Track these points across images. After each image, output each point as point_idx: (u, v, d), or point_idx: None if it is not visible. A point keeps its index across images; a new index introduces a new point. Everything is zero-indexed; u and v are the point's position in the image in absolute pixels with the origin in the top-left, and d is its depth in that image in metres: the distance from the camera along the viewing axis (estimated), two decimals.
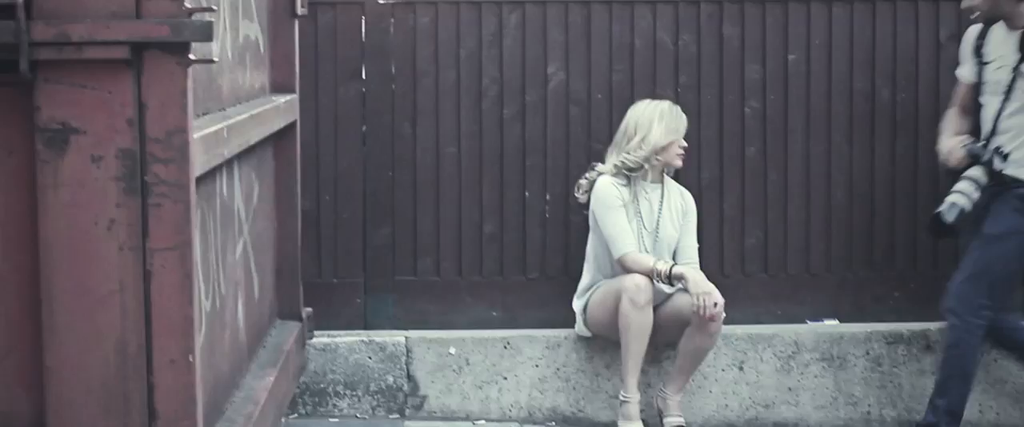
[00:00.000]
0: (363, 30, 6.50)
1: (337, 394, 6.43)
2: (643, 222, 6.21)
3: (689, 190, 6.40)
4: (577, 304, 6.35)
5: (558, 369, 6.50)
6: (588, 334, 6.37)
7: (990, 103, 6.08)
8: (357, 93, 6.50)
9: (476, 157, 6.55)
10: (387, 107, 6.51)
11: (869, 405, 6.51)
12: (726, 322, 6.30)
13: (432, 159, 6.53)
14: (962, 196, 6.01)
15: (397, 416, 6.44)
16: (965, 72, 6.21)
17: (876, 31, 6.66)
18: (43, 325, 3.23)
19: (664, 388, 6.23)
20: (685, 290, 6.07)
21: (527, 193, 6.57)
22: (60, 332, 3.23)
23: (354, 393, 6.44)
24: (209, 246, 3.90)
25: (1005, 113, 6.05)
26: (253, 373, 4.66)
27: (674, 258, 6.23)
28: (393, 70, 6.51)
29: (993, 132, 6.05)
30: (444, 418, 6.47)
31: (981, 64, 6.12)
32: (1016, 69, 6.03)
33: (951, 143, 6.12)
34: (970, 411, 6.64)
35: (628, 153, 6.15)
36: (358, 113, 6.51)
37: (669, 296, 6.19)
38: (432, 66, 6.51)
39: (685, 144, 6.22)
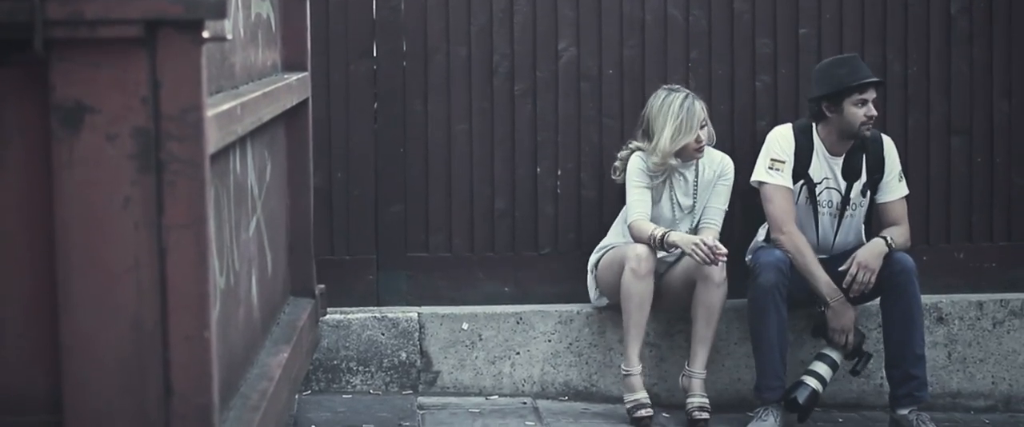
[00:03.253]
0: (374, 7, 6.50)
1: (350, 370, 6.45)
2: (678, 202, 6.24)
3: None
4: (592, 258, 6.38)
5: (570, 344, 6.52)
6: (596, 293, 6.38)
7: (821, 221, 6.29)
8: (368, 70, 6.51)
9: (487, 133, 6.56)
10: (398, 84, 6.52)
11: (881, 377, 6.52)
12: (738, 295, 6.32)
13: (443, 136, 6.54)
14: (817, 381, 6.13)
15: (410, 392, 6.47)
16: (787, 181, 6.23)
17: (887, 4, 6.66)
18: (59, 303, 3.24)
19: (688, 365, 6.22)
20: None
21: (539, 169, 6.58)
22: (76, 309, 3.24)
23: (367, 369, 6.46)
24: (223, 223, 3.92)
25: (839, 234, 6.31)
26: (267, 350, 4.67)
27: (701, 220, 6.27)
28: (404, 47, 6.52)
29: (831, 252, 6.28)
30: (457, 393, 6.49)
31: (811, 184, 6.24)
32: (851, 193, 6.27)
33: (849, 321, 6.12)
34: (982, 382, 6.66)
35: (648, 157, 6.17)
36: (369, 90, 6.52)
37: (675, 262, 6.23)
38: (443, 43, 6.52)
39: (702, 139, 6.20)
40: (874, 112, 6.15)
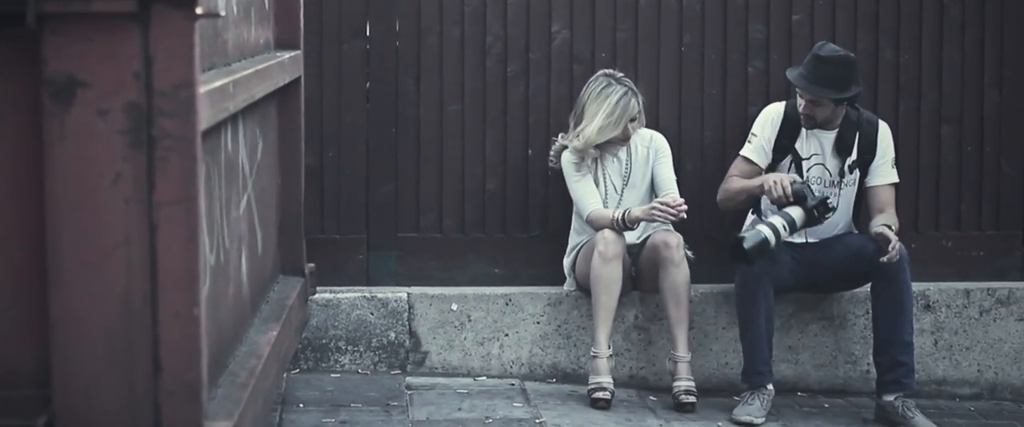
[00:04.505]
0: None
1: (339, 350, 6.46)
2: (612, 184, 6.30)
3: (691, 149, 6.42)
4: (566, 261, 6.43)
5: (559, 326, 6.53)
6: (574, 287, 6.43)
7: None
8: (361, 50, 6.50)
9: (479, 114, 6.56)
10: (391, 64, 6.51)
11: (868, 364, 6.54)
12: (725, 280, 6.33)
13: (435, 116, 6.54)
14: (771, 231, 5.97)
15: (399, 372, 6.47)
16: (758, 155, 6.26)
17: None
18: (49, 277, 3.24)
19: (672, 350, 6.23)
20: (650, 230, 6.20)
21: (530, 151, 6.59)
22: (65, 284, 3.24)
23: (356, 349, 6.46)
24: (214, 200, 3.92)
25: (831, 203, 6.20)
26: (256, 328, 4.68)
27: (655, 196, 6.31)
28: (397, 27, 6.51)
29: (820, 233, 6.24)
30: (445, 374, 6.50)
31: (797, 159, 6.25)
32: (842, 170, 6.24)
33: (780, 175, 6.10)
34: (968, 370, 6.68)
35: (574, 139, 6.24)
36: (362, 70, 6.51)
37: (641, 247, 6.27)
38: (436, 23, 6.51)
39: (629, 133, 6.22)
40: (807, 112, 6.16)
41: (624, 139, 6.27)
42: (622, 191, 6.33)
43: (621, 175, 6.33)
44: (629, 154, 6.34)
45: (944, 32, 6.68)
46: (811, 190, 6.03)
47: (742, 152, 6.31)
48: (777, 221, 5.97)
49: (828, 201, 6.02)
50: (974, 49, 6.70)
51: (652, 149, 6.36)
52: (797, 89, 6.17)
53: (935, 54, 6.69)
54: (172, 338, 3.26)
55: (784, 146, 6.26)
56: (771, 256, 6.02)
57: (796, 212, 6.01)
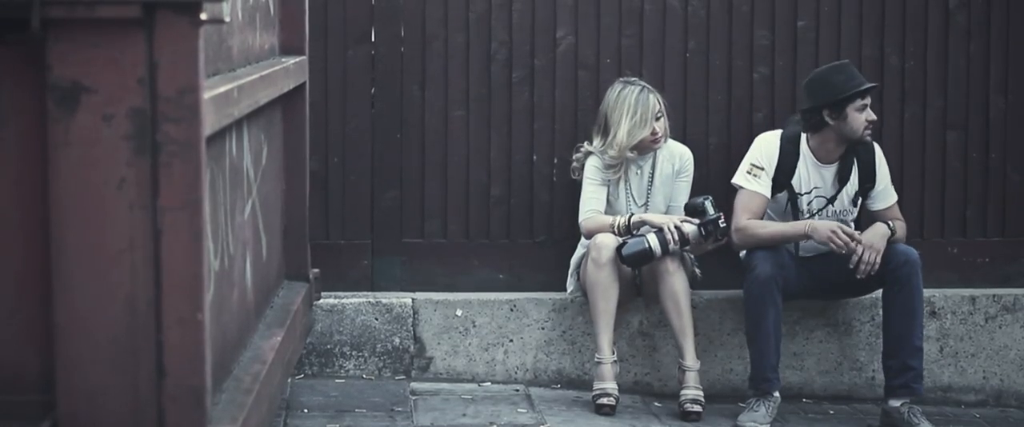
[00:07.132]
0: None
1: (343, 355, 6.46)
2: (632, 195, 6.28)
3: (696, 155, 6.42)
4: (574, 258, 6.42)
5: (564, 332, 6.52)
6: (576, 289, 6.40)
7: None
8: (366, 55, 6.51)
9: (484, 120, 6.56)
10: (396, 70, 6.52)
11: (873, 370, 6.53)
12: (731, 286, 6.33)
13: (440, 122, 6.54)
14: (659, 242, 6.01)
15: (403, 377, 6.47)
16: (764, 188, 6.21)
17: None
18: (53, 282, 3.25)
19: (680, 359, 6.21)
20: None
21: (535, 157, 6.59)
22: (70, 290, 3.25)
23: (360, 354, 6.47)
24: (218, 206, 3.92)
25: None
26: (260, 333, 4.68)
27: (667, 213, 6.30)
28: (403, 33, 6.52)
29: (816, 249, 6.23)
30: (450, 379, 6.50)
31: (793, 195, 6.23)
32: (832, 199, 6.25)
33: (832, 225, 6.09)
34: (973, 377, 6.68)
35: (605, 150, 6.23)
36: (367, 75, 6.52)
37: None
38: (441, 29, 6.52)
39: (657, 131, 6.22)
40: (874, 117, 6.16)
41: (654, 140, 6.24)
42: (643, 204, 6.31)
43: (642, 188, 6.32)
44: (653, 167, 6.33)
45: (949, 38, 6.68)
46: (710, 208, 6.07)
47: (751, 188, 6.20)
48: (668, 235, 6.05)
49: (720, 222, 6.06)
50: (979, 55, 6.69)
51: (677, 169, 6.35)
52: (864, 97, 6.10)
53: (940, 60, 6.68)
54: (176, 343, 3.26)
55: (781, 181, 6.23)
56: (780, 263, 6.02)
57: (689, 227, 6.09)
